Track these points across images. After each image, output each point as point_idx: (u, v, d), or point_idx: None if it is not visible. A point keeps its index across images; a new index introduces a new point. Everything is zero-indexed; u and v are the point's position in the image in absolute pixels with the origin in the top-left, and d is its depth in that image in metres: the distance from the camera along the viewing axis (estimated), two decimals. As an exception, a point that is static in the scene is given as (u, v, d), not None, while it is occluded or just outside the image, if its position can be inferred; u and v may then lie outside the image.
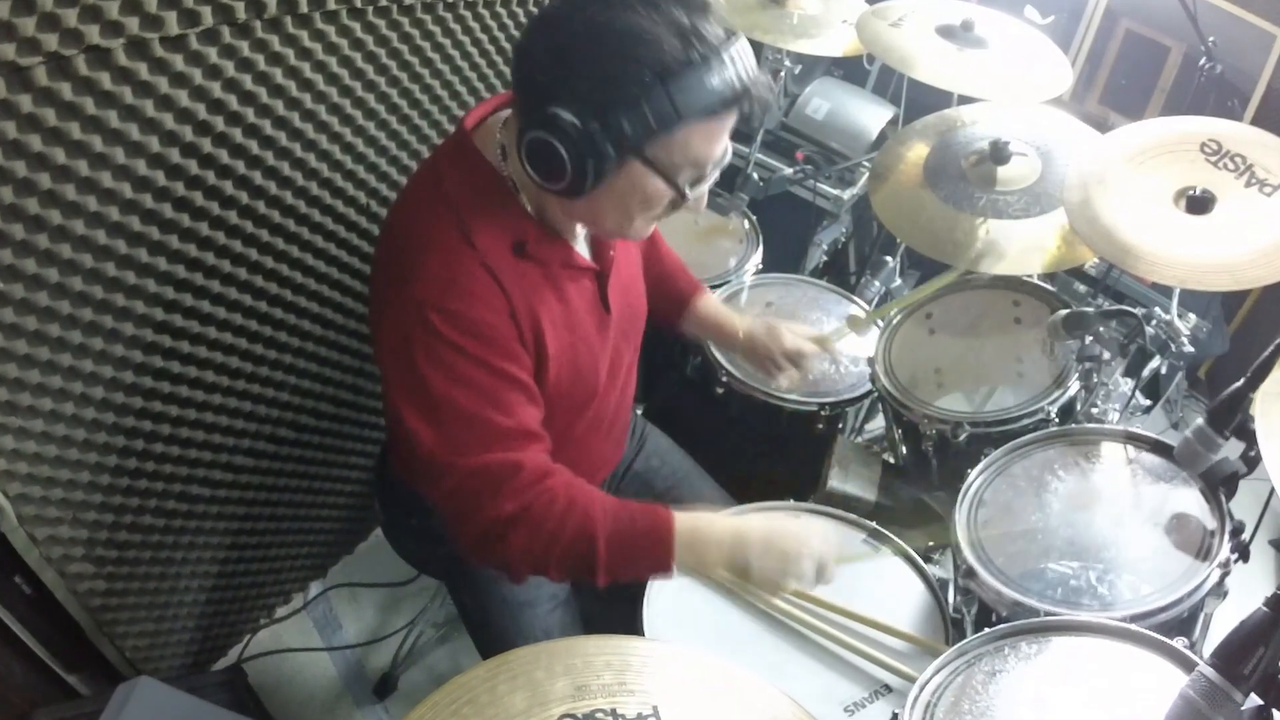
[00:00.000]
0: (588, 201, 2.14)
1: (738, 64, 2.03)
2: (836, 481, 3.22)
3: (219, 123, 2.58)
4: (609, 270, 2.50)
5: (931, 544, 3.16)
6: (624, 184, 2.12)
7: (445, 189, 2.24)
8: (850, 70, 5.17)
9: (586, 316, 2.46)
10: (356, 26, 2.83)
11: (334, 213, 3.09)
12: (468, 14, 3.20)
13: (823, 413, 3.36)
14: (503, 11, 3.33)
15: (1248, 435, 2.31)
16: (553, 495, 2.23)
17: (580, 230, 2.43)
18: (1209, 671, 1.68)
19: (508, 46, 3.42)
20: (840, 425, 3.53)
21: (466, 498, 2.23)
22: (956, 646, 2.13)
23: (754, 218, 4.03)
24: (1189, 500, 2.50)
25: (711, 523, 2.37)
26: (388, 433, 2.90)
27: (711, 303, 3.16)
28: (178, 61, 2.39)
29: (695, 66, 1.97)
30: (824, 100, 4.83)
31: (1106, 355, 2.92)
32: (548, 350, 2.33)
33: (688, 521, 2.29)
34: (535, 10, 2.12)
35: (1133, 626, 2.07)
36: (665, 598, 2.54)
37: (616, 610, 2.57)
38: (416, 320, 2.14)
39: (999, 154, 3.29)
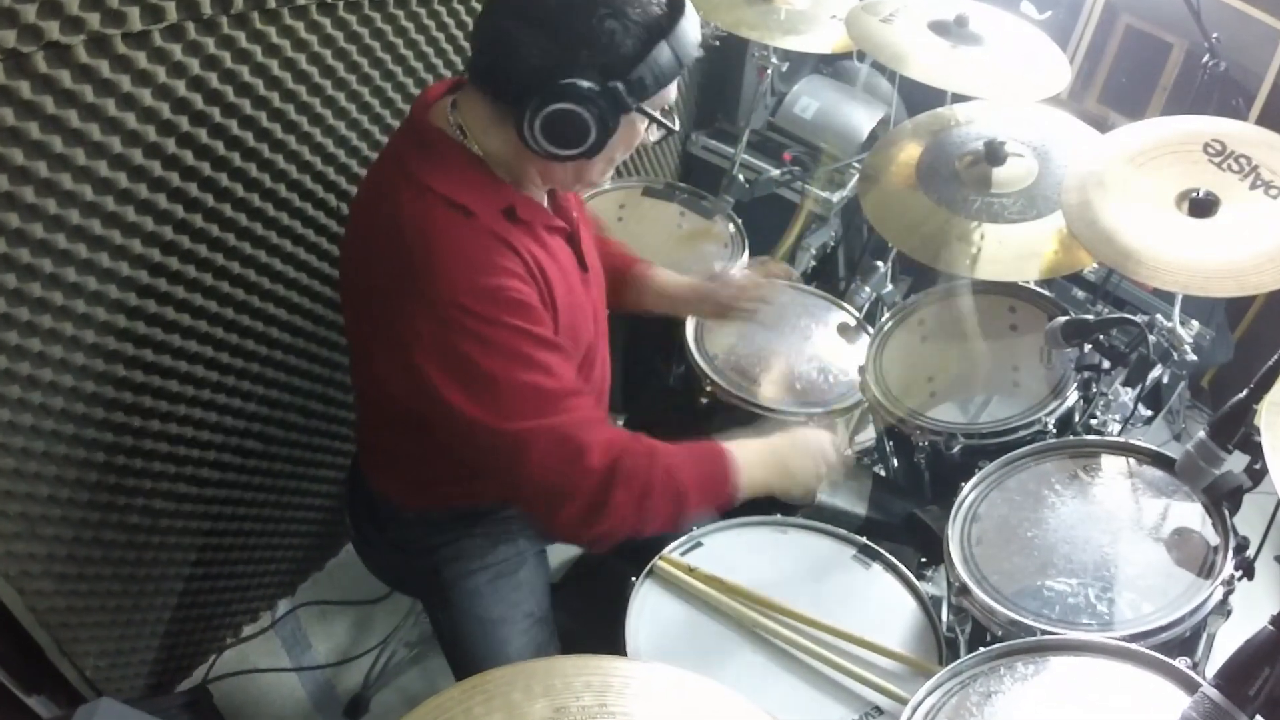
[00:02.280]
0: (588, 159, 2.30)
1: (694, 10, 2.28)
2: (825, 495, 3.20)
3: (183, 122, 2.59)
4: (577, 230, 2.62)
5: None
6: (621, 134, 2.29)
7: (420, 177, 2.28)
8: (840, 68, 5.17)
9: (572, 274, 2.56)
10: (327, 22, 2.83)
11: (303, 215, 3.10)
12: (441, 9, 3.21)
13: (810, 424, 3.32)
14: (477, 4, 3.33)
15: (1252, 448, 2.31)
16: (636, 450, 2.40)
17: (543, 194, 2.53)
18: (1213, 693, 1.68)
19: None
20: (829, 437, 3.52)
21: (554, 472, 2.31)
22: (950, 667, 2.14)
23: (739, 220, 4.02)
24: (1191, 515, 2.51)
25: (746, 446, 2.58)
26: (369, 449, 2.90)
27: (660, 270, 3.23)
28: (140, 59, 2.39)
29: (677, 18, 2.21)
30: (812, 99, 4.83)
31: (1106, 364, 2.92)
32: (557, 306, 2.43)
33: (735, 451, 2.54)
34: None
35: (1133, 646, 2.07)
36: (647, 616, 2.55)
37: (597, 628, 2.58)
38: (449, 306, 2.19)
39: (994, 155, 3.30)
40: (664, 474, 2.40)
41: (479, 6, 3.27)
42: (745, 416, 3.28)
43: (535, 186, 2.45)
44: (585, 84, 2.14)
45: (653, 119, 2.34)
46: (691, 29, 2.26)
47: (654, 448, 2.43)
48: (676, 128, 2.40)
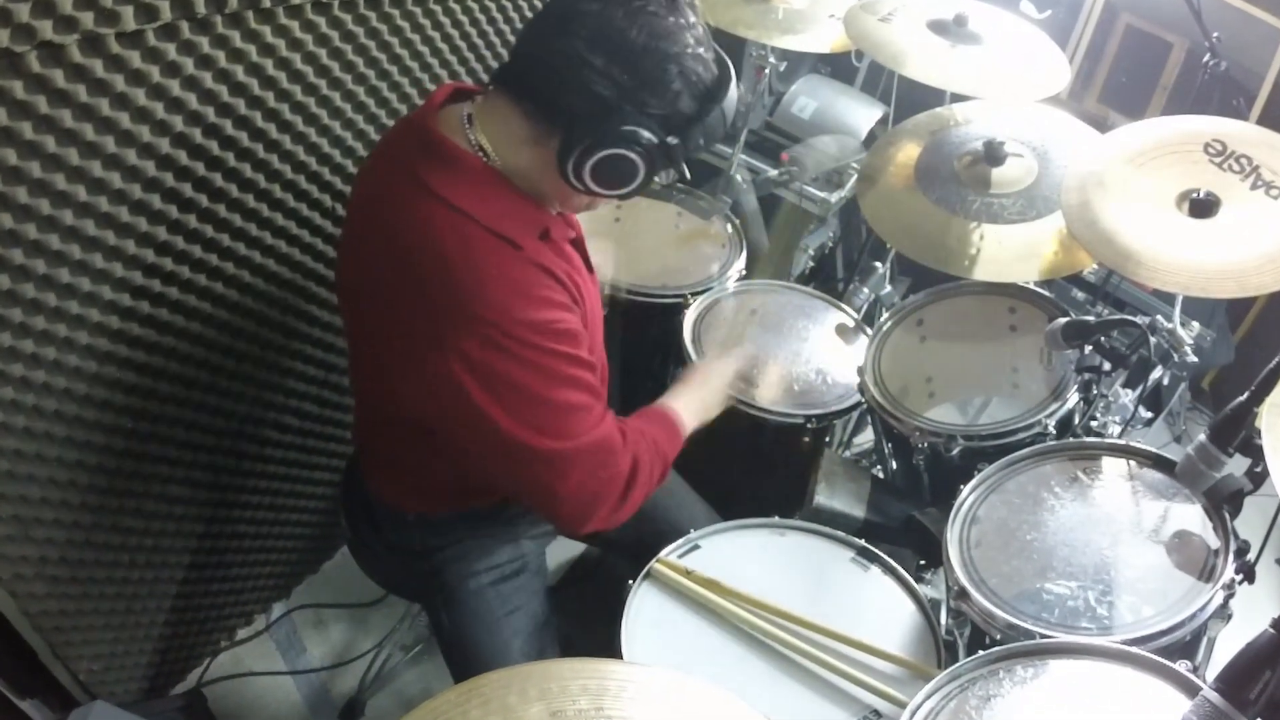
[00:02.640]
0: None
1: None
2: (823, 497, 3.22)
3: (177, 122, 2.58)
4: (580, 233, 2.65)
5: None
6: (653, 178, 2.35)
7: (453, 200, 2.24)
8: (838, 67, 5.18)
9: (588, 279, 2.60)
10: (322, 21, 2.83)
11: (297, 215, 3.09)
12: (438, 8, 3.21)
13: (809, 425, 3.34)
14: (474, 5, 3.34)
15: (1253, 451, 2.31)
16: (637, 438, 2.53)
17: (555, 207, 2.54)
18: (1213, 696, 1.69)
19: (478, 39, 3.44)
20: (827, 439, 3.54)
21: (593, 481, 2.41)
22: (949, 670, 2.14)
23: (737, 221, 4.01)
24: (1192, 518, 2.51)
25: (679, 399, 2.82)
26: (368, 453, 2.89)
27: None
28: (134, 58, 2.39)
29: (727, 85, 2.26)
30: (810, 99, 4.83)
31: (1106, 366, 2.92)
32: (588, 314, 2.49)
33: (676, 407, 2.76)
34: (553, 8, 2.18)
35: (1133, 650, 2.07)
36: (644, 619, 2.55)
37: (593, 631, 2.58)
38: (502, 334, 2.20)
39: (993, 155, 3.31)
40: (654, 455, 2.55)
41: (474, 6, 3.29)
42: (743, 420, 3.27)
43: (551, 203, 2.45)
44: (647, 134, 2.19)
45: (679, 170, 2.39)
46: (735, 94, 2.31)
47: (641, 430, 2.58)
48: (689, 177, 2.49)
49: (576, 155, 2.20)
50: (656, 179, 2.40)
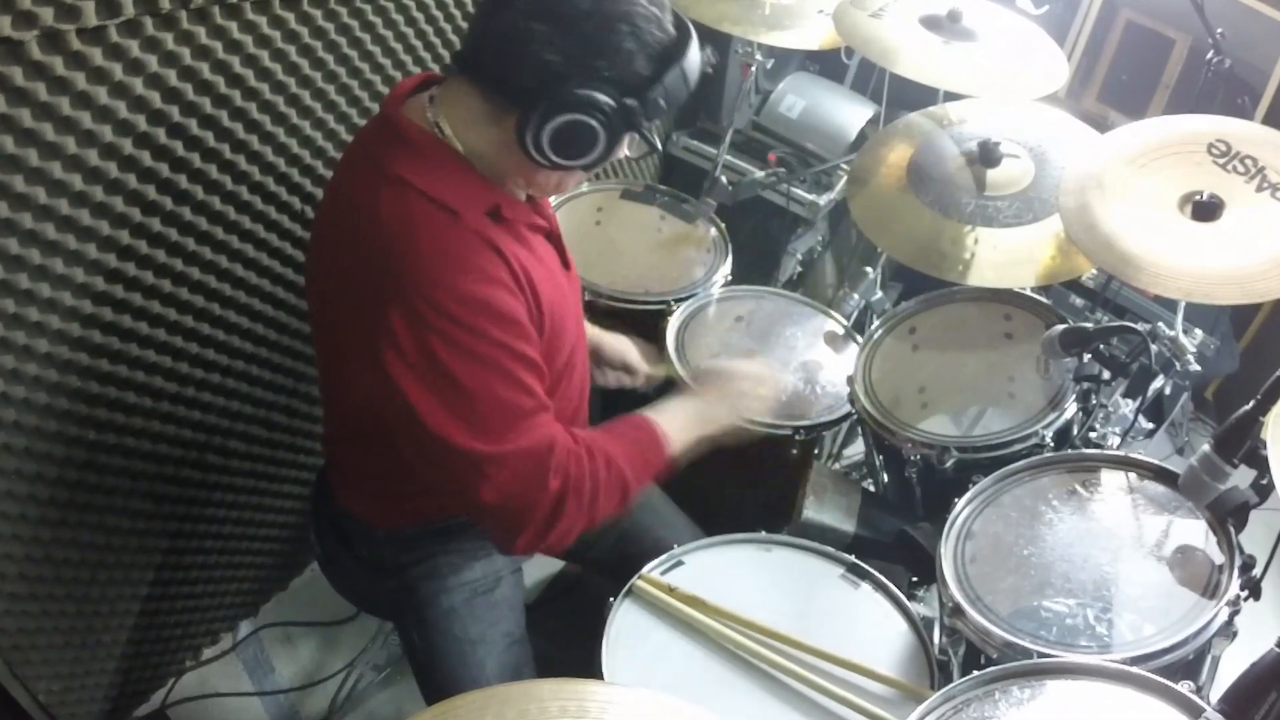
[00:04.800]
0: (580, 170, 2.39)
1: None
2: (812, 511, 3.22)
3: (141, 122, 2.58)
4: (556, 228, 2.66)
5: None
6: (618, 148, 2.34)
7: (398, 172, 2.27)
8: (827, 65, 5.17)
9: (557, 273, 2.58)
10: (291, 17, 2.83)
11: (265, 219, 3.10)
12: (411, 2, 3.21)
13: (797, 436, 3.34)
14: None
15: (1259, 462, 2.32)
16: (578, 454, 2.41)
17: (522, 193, 2.54)
18: (1217, 718, 1.69)
19: (453, 35, 3.45)
20: (816, 450, 3.54)
21: (516, 495, 2.33)
22: (942, 691, 2.14)
23: (722, 224, 4.02)
24: (1195, 532, 2.51)
25: (666, 410, 2.72)
26: (336, 464, 2.90)
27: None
28: (96, 55, 2.39)
29: (687, 44, 2.27)
30: (798, 97, 4.84)
31: (1106, 375, 2.92)
32: (543, 309, 2.44)
33: (659, 419, 2.65)
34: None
35: (1134, 669, 2.08)
36: (627, 638, 2.55)
37: (573, 651, 2.58)
38: (430, 306, 2.19)
39: (989, 156, 3.31)
40: (606, 469, 2.45)
41: (449, 1, 3.30)
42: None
43: (515, 186, 2.46)
44: (602, 97, 2.19)
45: (646, 139, 2.38)
46: (697, 55, 2.31)
47: (590, 444, 2.47)
48: (660, 148, 2.42)
49: (533, 127, 2.21)
50: (627, 152, 2.40)
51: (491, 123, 2.27)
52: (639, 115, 2.25)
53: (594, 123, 2.21)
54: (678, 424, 2.67)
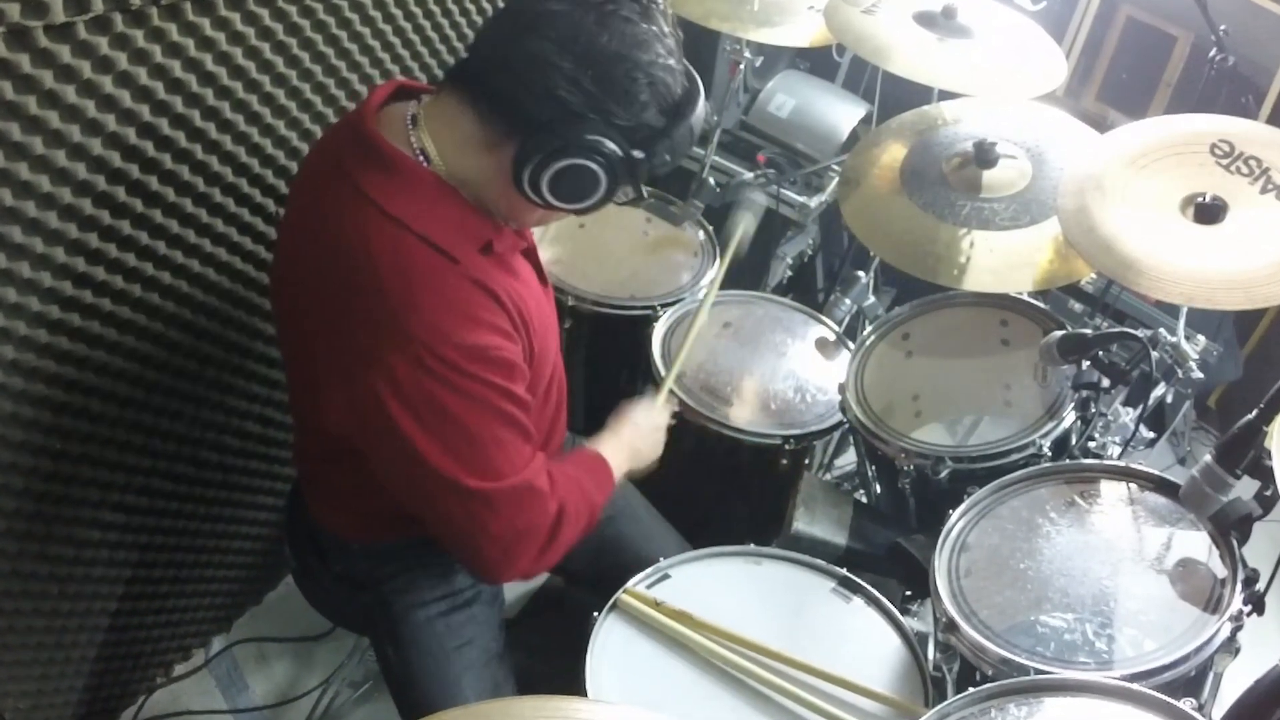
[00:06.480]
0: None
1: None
2: (802, 524, 3.22)
3: (110, 121, 2.57)
4: (533, 244, 2.66)
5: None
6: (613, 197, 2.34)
7: (389, 209, 2.24)
8: (818, 63, 5.18)
9: (538, 292, 2.58)
10: (265, 14, 2.82)
11: (239, 221, 3.07)
12: (390, 0, 3.21)
13: (787, 446, 3.34)
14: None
15: (1263, 473, 2.32)
16: (565, 483, 2.49)
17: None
18: (1219, 736, 1.69)
19: (431, 33, 3.43)
20: (807, 461, 3.53)
21: (517, 526, 2.39)
22: (937, 709, 2.15)
23: (710, 228, 4.02)
24: (1197, 545, 2.52)
25: (607, 445, 2.83)
26: (309, 478, 2.88)
27: None
28: (64, 53, 2.37)
29: (696, 100, 2.30)
30: (788, 96, 4.83)
31: (1106, 382, 2.92)
32: (534, 339, 2.45)
33: (605, 452, 2.77)
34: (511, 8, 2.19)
35: (1134, 686, 2.08)
36: (610, 653, 2.55)
37: (557, 667, 2.57)
38: (434, 359, 2.19)
39: (985, 156, 3.31)
40: (582, 502, 2.54)
41: (435, 7, 3.29)
42: (716, 440, 3.27)
43: (504, 213, 2.43)
44: (611, 145, 2.18)
45: (637, 189, 2.37)
46: (702, 110, 2.33)
47: (569, 476, 2.56)
48: (645, 196, 2.46)
49: (534, 164, 2.18)
50: (615, 198, 2.37)
51: (484, 149, 2.25)
52: (642, 168, 2.26)
53: (598, 170, 2.21)
54: (619, 460, 2.79)
